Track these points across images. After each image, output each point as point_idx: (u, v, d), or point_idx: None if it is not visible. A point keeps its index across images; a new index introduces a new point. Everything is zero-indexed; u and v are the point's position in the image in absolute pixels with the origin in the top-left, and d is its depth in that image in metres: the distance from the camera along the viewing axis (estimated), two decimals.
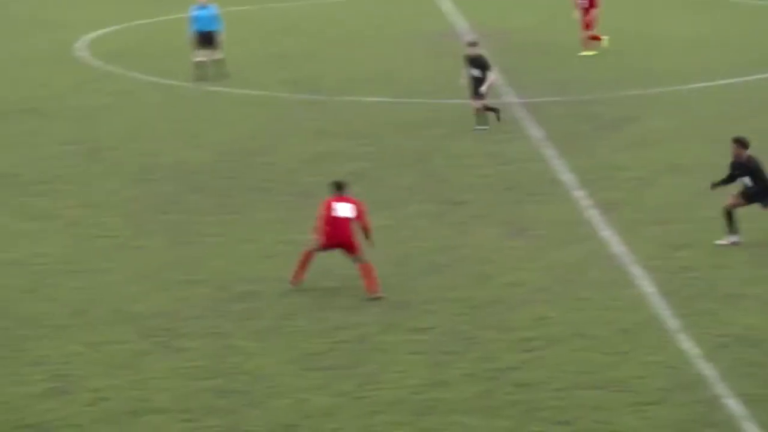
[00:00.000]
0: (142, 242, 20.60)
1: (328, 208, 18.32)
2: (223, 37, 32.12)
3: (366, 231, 18.55)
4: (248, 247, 20.29)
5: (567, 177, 23.66)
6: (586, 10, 35.00)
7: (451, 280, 18.71)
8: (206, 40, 31.86)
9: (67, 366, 15.96)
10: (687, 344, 16.21)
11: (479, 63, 27.26)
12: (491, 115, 27.50)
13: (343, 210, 18.29)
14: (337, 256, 18.82)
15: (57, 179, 24.10)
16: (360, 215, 18.35)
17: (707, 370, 15.46)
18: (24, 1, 46.28)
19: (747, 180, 20.10)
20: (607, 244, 20.03)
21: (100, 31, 38.62)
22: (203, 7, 32.01)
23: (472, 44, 27.88)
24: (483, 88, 26.97)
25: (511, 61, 34.17)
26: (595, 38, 35.12)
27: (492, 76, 27.25)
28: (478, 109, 27.28)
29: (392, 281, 18.68)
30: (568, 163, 24.53)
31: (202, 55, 31.86)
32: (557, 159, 24.91)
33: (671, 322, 16.93)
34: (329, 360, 16.10)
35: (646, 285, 18.24)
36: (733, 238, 19.95)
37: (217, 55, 31.98)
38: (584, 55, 34.54)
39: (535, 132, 26.98)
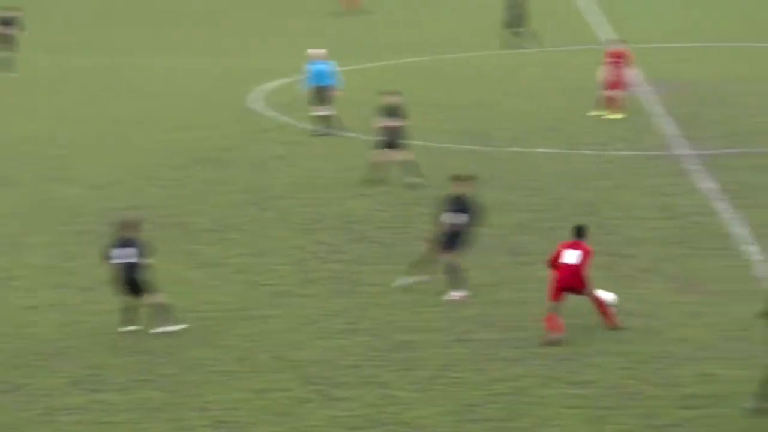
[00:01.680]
0: (306, 290, 20.78)
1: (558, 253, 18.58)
2: (337, 92, 32.04)
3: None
4: (409, 298, 20.26)
5: (739, 231, 23.04)
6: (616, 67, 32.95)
7: (616, 334, 18.35)
8: (321, 95, 31.95)
9: (232, 412, 16.15)
10: None
11: (396, 112, 26.93)
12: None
13: (570, 257, 18.46)
14: (495, 306, 18.65)
15: (228, 228, 24.51)
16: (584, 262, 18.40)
17: None
18: (197, 54, 47.47)
19: None
20: None
21: (277, 82, 39.30)
22: (319, 62, 32.12)
23: (392, 93, 27.52)
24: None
25: (686, 112, 33.56)
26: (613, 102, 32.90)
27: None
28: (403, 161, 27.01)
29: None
30: (741, 216, 23.90)
31: (320, 110, 31.97)
32: (730, 212, 24.30)
33: None
34: (487, 412, 15.93)
35: None
36: None
37: (329, 110, 32.00)
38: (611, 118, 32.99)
39: (708, 184, 26.39)
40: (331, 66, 32.39)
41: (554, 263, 18.58)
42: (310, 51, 32.61)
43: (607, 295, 18.87)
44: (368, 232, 23.84)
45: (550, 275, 18.67)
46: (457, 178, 20.66)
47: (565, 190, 26.47)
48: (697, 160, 28.52)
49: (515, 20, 44.86)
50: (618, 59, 33.65)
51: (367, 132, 32.26)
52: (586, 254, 18.60)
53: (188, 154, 30.54)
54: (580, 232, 18.86)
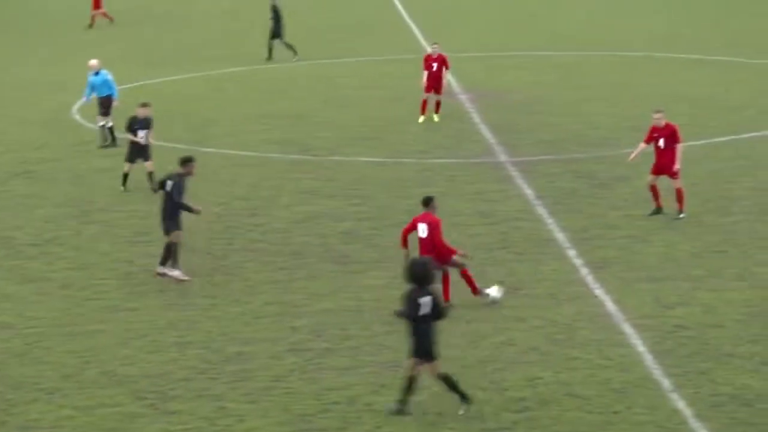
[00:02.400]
0: (134, 304, 20.61)
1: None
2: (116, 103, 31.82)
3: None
4: (240, 309, 20.30)
5: (559, 235, 23.72)
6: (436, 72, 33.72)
7: (443, 339, 18.64)
8: (103, 105, 31.89)
9: (57, 430, 15.90)
10: (680, 404, 16.19)
11: (147, 124, 27.70)
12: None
13: (422, 230, 19.60)
14: (325, 315, 18.80)
15: (51, 242, 24.12)
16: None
17: (700, 430, 15.43)
18: (25, 63, 46.51)
19: None
20: (600, 303, 20.04)
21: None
22: (96, 73, 31.97)
23: (144, 105, 28.14)
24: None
25: (503, 120, 34.33)
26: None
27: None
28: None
29: (384, 340, 18.69)
30: (560, 221, 24.60)
31: (101, 121, 31.87)
32: (550, 218, 24.98)
33: (664, 381, 16.91)
34: (321, 422, 16.07)
35: (639, 344, 18.24)
36: None
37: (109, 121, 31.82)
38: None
39: (527, 190, 27.07)
40: (106, 76, 32.08)
41: (405, 237, 19.81)
42: (90, 62, 32.26)
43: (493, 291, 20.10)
44: (198, 243, 23.74)
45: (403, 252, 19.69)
46: (181, 161, 22.29)
47: (388, 198, 26.83)
48: (515, 166, 29.23)
49: (276, 31, 45.55)
50: (438, 63, 34.23)
51: (194, 143, 32.16)
52: (434, 226, 19.57)
53: (5, 168, 29.94)
54: (426, 202, 19.89)
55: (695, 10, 59.38)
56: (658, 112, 25.00)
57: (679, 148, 24.57)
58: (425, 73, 34.37)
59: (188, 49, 49.04)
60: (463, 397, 16.09)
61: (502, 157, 30.25)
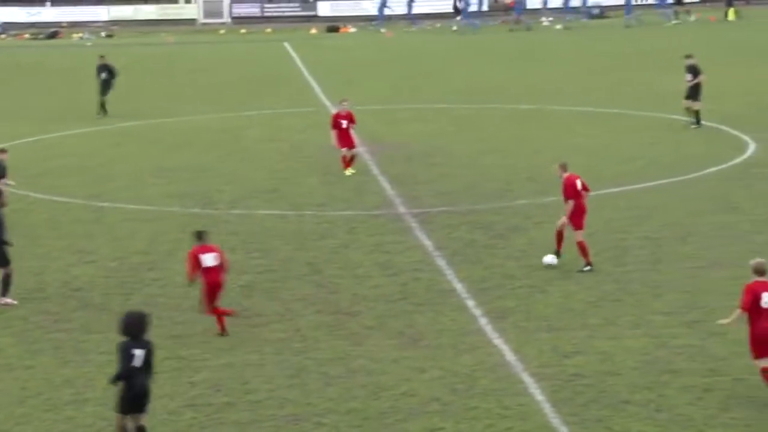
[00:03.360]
0: (30, 361, 20.26)
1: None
2: None
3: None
4: None
5: (459, 286, 23.84)
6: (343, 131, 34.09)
7: (344, 392, 18.66)
8: None
9: None
10: None
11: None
12: None
13: (210, 260, 20.94)
14: (226, 369, 18.56)
15: None
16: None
17: None
18: None
19: None
20: (499, 353, 20.15)
21: None
22: None
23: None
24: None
25: (401, 172, 34.53)
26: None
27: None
28: None
29: (286, 394, 18.58)
30: (459, 272, 24.74)
31: None
32: (449, 268, 25.11)
33: (562, 429, 17.02)
34: None
35: (537, 393, 18.35)
36: None
37: None
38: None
39: (426, 242, 27.21)
40: None
41: (194, 270, 21.10)
42: None
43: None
44: (94, 299, 23.45)
45: (203, 284, 21.04)
46: None
47: (289, 251, 26.78)
48: (414, 218, 29.38)
49: (104, 88, 45.70)
50: (346, 121, 34.35)
51: (89, 197, 31.81)
52: (220, 253, 21.42)
53: None
54: (200, 235, 21.55)
55: (579, 65, 60.52)
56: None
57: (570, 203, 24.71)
58: (334, 132, 34.43)
59: (83, 105, 48.66)
60: None
61: (401, 209, 30.40)
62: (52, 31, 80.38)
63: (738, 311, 17.43)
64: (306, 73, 58.19)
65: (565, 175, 24.83)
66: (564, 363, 19.59)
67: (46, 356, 20.51)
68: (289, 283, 24.41)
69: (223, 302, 21.79)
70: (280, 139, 40.66)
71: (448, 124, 42.87)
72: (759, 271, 17.41)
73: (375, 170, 35.10)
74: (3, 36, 79.07)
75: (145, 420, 16.28)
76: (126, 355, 16.05)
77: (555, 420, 17.32)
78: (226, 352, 20.51)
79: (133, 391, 16.12)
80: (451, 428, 17.17)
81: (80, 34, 79.10)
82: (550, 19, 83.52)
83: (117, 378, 16.13)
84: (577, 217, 24.72)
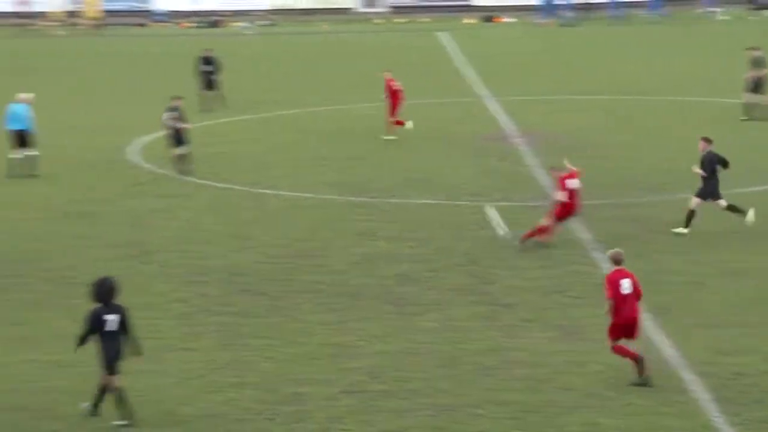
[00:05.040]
0: (191, 344, 20.65)
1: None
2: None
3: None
4: (297, 350, 20.28)
5: None
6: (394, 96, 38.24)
7: (501, 384, 18.59)
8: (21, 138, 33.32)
9: None
10: None
11: None
12: None
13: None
14: (382, 357, 18.68)
15: None
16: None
17: None
18: (78, 106, 47.01)
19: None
20: (659, 349, 19.84)
21: (153, 135, 39.08)
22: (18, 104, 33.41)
23: None
24: None
25: (557, 163, 34.18)
26: (399, 123, 38.26)
27: None
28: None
29: (441, 383, 18.59)
30: None
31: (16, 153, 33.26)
32: (606, 262, 24.78)
33: (725, 430, 16.68)
34: None
35: (699, 391, 18.02)
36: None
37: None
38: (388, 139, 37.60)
39: (584, 235, 26.92)
40: (27, 110, 33.32)
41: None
42: (20, 95, 33.70)
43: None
44: (254, 285, 23.80)
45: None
46: None
47: (445, 240, 26.78)
48: None
49: (208, 83, 45.07)
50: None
51: (249, 184, 32.33)
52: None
53: (61, 208, 30.17)
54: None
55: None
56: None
57: None
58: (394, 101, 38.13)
59: (241, 93, 49.37)
60: (127, 414, 17.25)
61: None
62: (214, 20, 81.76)
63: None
64: (460, 62, 58.09)
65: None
66: (725, 361, 19.20)
67: (207, 339, 20.88)
68: (444, 272, 24.42)
69: (375, 291, 21.88)
70: (435, 128, 40.67)
71: (606, 116, 42.33)
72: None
73: (530, 161, 34.87)
74: (167, 24, 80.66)
75: (120, 381, 17.39)
76: (94, 321, 17.17)
77: (718, 419, 16.98)
78: (381, 340, 20.62)
79: (109, 354, 17.28)
80: (609, 424, 16.98)
81: (241, 23, 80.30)
82: (716, 9, 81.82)
83: (80, 342, 17.36)
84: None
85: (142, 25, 79.45)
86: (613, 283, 18.52)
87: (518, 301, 22.55)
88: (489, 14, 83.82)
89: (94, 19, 76.84)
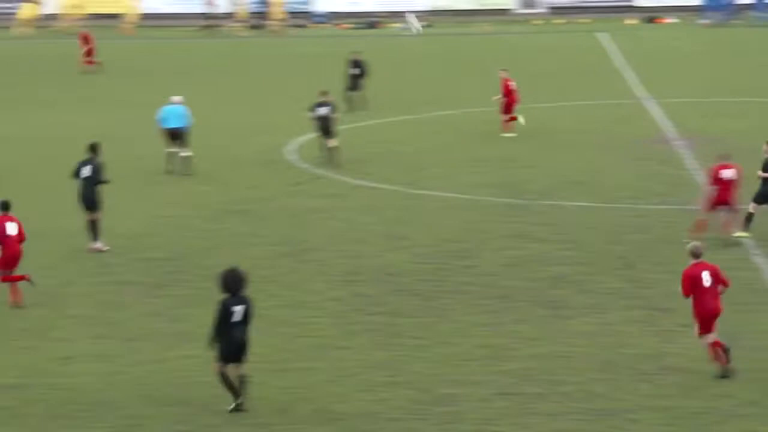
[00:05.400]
0: (346, 342, 20.81)
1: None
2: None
3: None
4: (450, 350, 20.28)
5: None
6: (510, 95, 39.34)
7: (656, 389, 18.30)
8: (176, 136, 34.25)
9: None
10: None
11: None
12: None
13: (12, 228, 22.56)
14: (535, 360, 18.52)
15: (265, 279, 24.55)
16: None
17: None
18: (240, 106, 47.79)
19: None
20: None
21: (310, 135, 39.50)
22: (174, 105, 34.61)
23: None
24: None
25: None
26: (513, 119, 39.30)
27: None
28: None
29: (596, 387, 18.39)
30: None
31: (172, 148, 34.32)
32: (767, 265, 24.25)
33: None
34: None
35: None
36: None
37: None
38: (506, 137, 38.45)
39: (746, 240, 26.34)
40: (184, 110, 34.53)
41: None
42: (173, 97, 35.00)
43: None
44: (407, 285, 23.88)
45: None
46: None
47: (601, 244, 26.48)
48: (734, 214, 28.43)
49: (353, 85, 45.19)
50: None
51: (404, 185, 32.46)
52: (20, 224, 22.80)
53: (219, 206, 30.68)
54: (5, 206, 22.88)
55: None
56: None
57: None
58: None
59: (398, 94, 49.61)
60: (239, 400, 17.70)
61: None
62: (371, 21, 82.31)
63: None
64: (621, 64, 57.40)
65: None
66: None
67: (361, 338, 21.03)
68: (600, 276, 24.15)
69: (528, 293, 21.68)
70: (593, 130, 40.26)
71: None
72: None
73: (690, 164, 34.26)
74: (327, 25, 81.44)
75: (245, 369, 17.68)
76: (225, 312, 17.48)
77: None
78: (535, 343, 20.49)
79: (233, 343, 17.50)
80: None
81: (399, 24, 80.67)
82: None
83: (212, 338, 17.67)
84: None
85: (302, 26, 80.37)
86: (693, 277, 18.89)
87: (676, 305, 22.12)
88: (651, 15, 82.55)
89: (279, 20, 78.25)
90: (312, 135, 37.36)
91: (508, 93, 39.66)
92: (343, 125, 41.74)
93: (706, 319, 18.82)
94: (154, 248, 26.79)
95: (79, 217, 27.51)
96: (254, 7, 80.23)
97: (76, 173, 26.59)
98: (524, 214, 29.40)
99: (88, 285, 24.17)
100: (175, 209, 30.40)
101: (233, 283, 17.77)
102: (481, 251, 26.21)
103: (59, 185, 29.66)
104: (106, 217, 29.81)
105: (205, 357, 19.84)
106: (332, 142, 35.10)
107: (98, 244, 26.51)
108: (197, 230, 28.45)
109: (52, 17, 78.08)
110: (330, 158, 34.93)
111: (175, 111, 34.66)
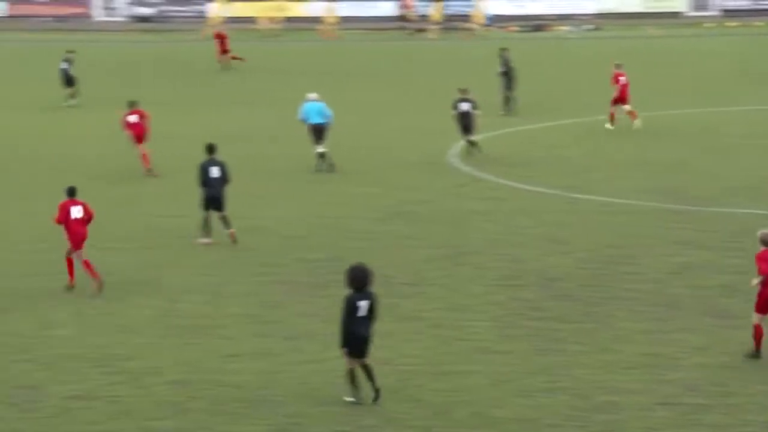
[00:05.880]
0: (505, 347, 20.63)
1: None
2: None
3: None
4: (610, 357, 19.94)
5: None
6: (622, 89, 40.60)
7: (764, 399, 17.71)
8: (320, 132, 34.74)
9: None
10: None
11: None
12: None
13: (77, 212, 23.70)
14: (701, 369, 18.07)
15: (425, 282, 24.52)
16: None
17: None
18: (404, 109, 47.95)
19: None
20: None
21: (474, 138, 39.35)
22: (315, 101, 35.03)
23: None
24: None
25: None
26: (612, 116, 40.67)
27: None
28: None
29: (766, 400, 17.84)
30: None
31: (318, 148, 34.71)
32: None
33: None
34: None
35: None
36: None
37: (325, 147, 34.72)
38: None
39: None
40: (325, 107, 35.00)
41: (64, 220, 23.52)
42: (309, 94, 35.53)
43: None
44: (568, 290, 23.58)
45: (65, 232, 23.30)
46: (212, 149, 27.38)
47: None
48: None
49: (508, 84, 44.94)
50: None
51: (567, 189, 32.10)
52: (86, 206, 23.80)
53: (382, 208, 30.75)
54: (71, 191, 23.80)
55: None
56: None
57: None
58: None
59: (565, 96, 49.12)
60: (357, 394, 18.12)
61: None
62: (538, 24, 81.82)
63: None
64: None
65: None
66: None
67: (521, 342, 20.81)
68: None
69: (694, 301, 21.15)
70: (764, 136, 39.22)
71: None
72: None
73: None
74: (492, 28, 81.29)
75: (368, 360, 18.09)
76: (350, 306, 17.77)
77: None
78: (701, 352, 20.02)
79: (358, 338, 17.85)
80: None
81: (565, 27, 80.00)
82: None
83: (343, 336, 17.94)
84: None
85: (443, 29, 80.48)
86: (764, 259, 19.24)
87: None
88: None
89: (478, 24, 78.81)
90: (476, 137, 37.24)
91: (620, 87, 40.67)
92: (507, 128, 41.57)
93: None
94: (316, 249, 26.99)
95: (244, 216, 27.92)
96: (452, 10, 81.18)
97: (204, 174, 27.14)
98: (690, 220, 28.77)
99: (249, 284, 24.45)
100: (338, 210, 30.58)
101: (359, 279, 18.04)
102: (645, 257, 25.73)
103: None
104: (269, 217, 30.21)
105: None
106: (472, 138, 36.48)
107: (212, 239, 27.19)
108: (359, 231, 28.57)
109: (249, 20, 79.74)
110: (471, 152, 36.31)
111: (316, 107, 35.07)
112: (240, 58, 59.61)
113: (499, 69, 45.48)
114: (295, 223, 29.25)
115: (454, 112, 36.87)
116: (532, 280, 24.33)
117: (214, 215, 27.36)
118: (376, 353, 19.91)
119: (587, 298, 23.09)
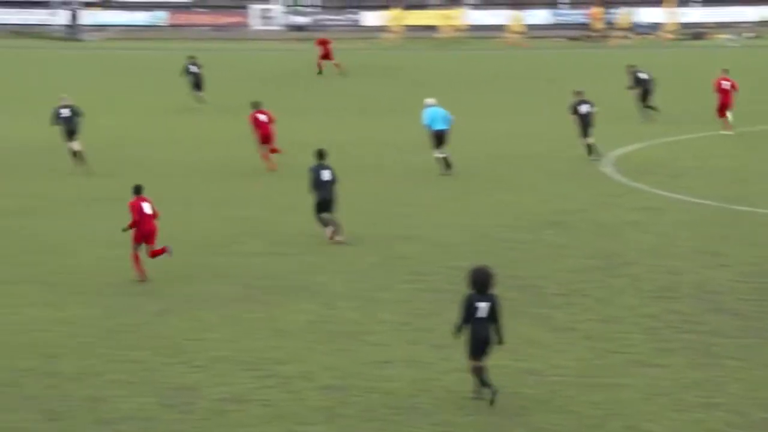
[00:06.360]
0: (660, 360, 20.22)
1: None
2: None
3: None
4: None
5: None
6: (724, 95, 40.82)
7: None
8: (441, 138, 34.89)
9: None
10: None
11: None
12: None
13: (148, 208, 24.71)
14: None
15: (576, 292, 24.21)
16: None
17: None
18: (555, 116, 47.53)
19: None
20: None
21: (628, 148, 38.88)
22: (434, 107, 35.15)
23: None
24: None
25: None
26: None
27: None
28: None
29: None
30: None
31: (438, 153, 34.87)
32: None
33: None
34: None
35: None
36: None
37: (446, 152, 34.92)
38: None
39: None
40: (446, 113, 35.20)
41: (138, 216, 24.43)
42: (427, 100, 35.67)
43: None
44: (727, 303, 23.03)
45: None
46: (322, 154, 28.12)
47: None
48: None
49: (644, 95, 45.06)
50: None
51: (725, 200, 31.40)
52: (152, 203, 24.83)
53: (534, 217, 30.47)
54: (138, 189, 24.75)
55: None
56: None
57: None
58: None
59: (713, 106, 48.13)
60: (494, 393, 18.07)
61: None
62: (697, 32, 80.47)
63: None
64: None
65: None
66: None
67: (676, 356, 20.37)
68: None
69: None
70: None
71: None
72: None
73: None
74: (650, 36, 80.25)
75: (486, 362, 18.17)
76: (468, 307, 17.91)
77: None
78: None
79: (477, 339, 17.97)
80: None
81: (725, 35, 78.49)
82: None
83: (456, 329, 18.15)
84: None
85: (625, 37, 79.52)
86: None
87: None
88: None
89: (626, 29, 78.54)
90: (629, 147, 36.75)
91: (722, 92, 40.84)
92: (659, 138, 40.86)
93: None
94: (467, 257, 26.84)
95: (393, 225, 27.93)
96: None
97: (317, 177, 27.63)
98: None
99: (400, 291, 24.44)
100: (489, 219, 30.40)
101: (480, 280, 18.06)
102: None
103: (369, 192, 30.16)
104: (420, 226, 30.24)
105: (512, 367, 19.72)
106: (590, 140, 36.68)
107: (341, 237, 27.83)
108: (511, 241, 28.34)
109: (380, 29, 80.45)
110: (589, 152, 36.63)
111: (439, 113, 35.04)
112: (338, 65, 60.89)
113: (628, 83, 45.35)
114: (444, 231, 29.17)
115: (573, 116, 36.94)
116: (689, 293, 23.82)
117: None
118: (519, 364, 19.75)
119: (746, 312, 22.51)
